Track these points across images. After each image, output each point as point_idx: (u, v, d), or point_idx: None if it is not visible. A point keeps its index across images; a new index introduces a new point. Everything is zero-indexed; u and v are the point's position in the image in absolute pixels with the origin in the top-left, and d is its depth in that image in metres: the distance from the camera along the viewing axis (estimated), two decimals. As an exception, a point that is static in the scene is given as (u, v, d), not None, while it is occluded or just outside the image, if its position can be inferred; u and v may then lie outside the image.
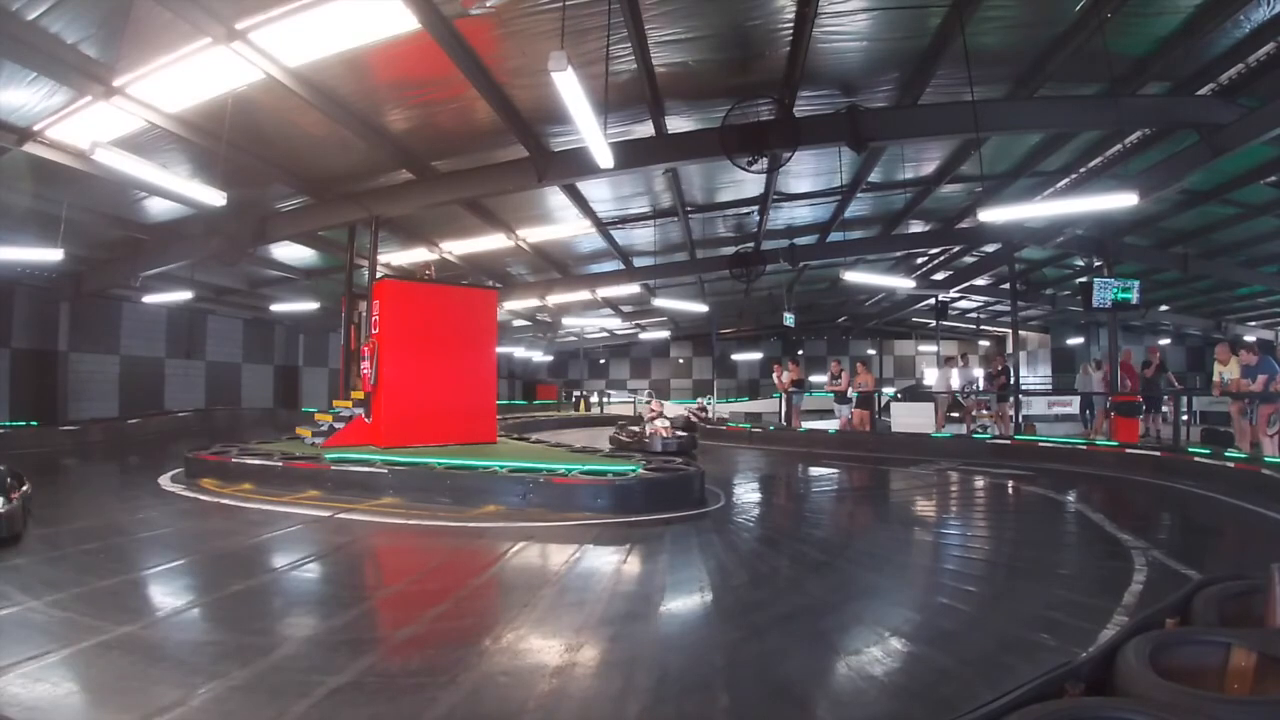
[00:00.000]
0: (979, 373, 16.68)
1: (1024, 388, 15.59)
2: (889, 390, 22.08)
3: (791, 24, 7.21)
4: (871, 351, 32.65)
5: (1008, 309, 19.02)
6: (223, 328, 21.15)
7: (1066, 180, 11.69)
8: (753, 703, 2.95)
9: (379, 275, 11.92)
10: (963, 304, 24.81)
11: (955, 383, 15.44)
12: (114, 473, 11.36)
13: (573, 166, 9.76)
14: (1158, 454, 10.18)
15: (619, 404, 31.51)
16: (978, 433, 14.07)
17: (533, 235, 14.64)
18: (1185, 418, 13.09)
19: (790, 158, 8.57)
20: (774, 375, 17.66)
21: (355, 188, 11.09)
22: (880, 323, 28.44)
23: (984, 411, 15.31)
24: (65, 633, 3.56)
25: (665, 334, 31.98)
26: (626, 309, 25.43)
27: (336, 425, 11.17)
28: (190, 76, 7.13)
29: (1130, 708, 1.80)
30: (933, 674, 3.23)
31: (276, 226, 12.30)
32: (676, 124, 9.43)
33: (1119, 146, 9.89)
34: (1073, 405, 16.68)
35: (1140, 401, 12.90)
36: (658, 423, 14.23)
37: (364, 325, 11.54)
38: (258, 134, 8.98)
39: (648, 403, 21.33)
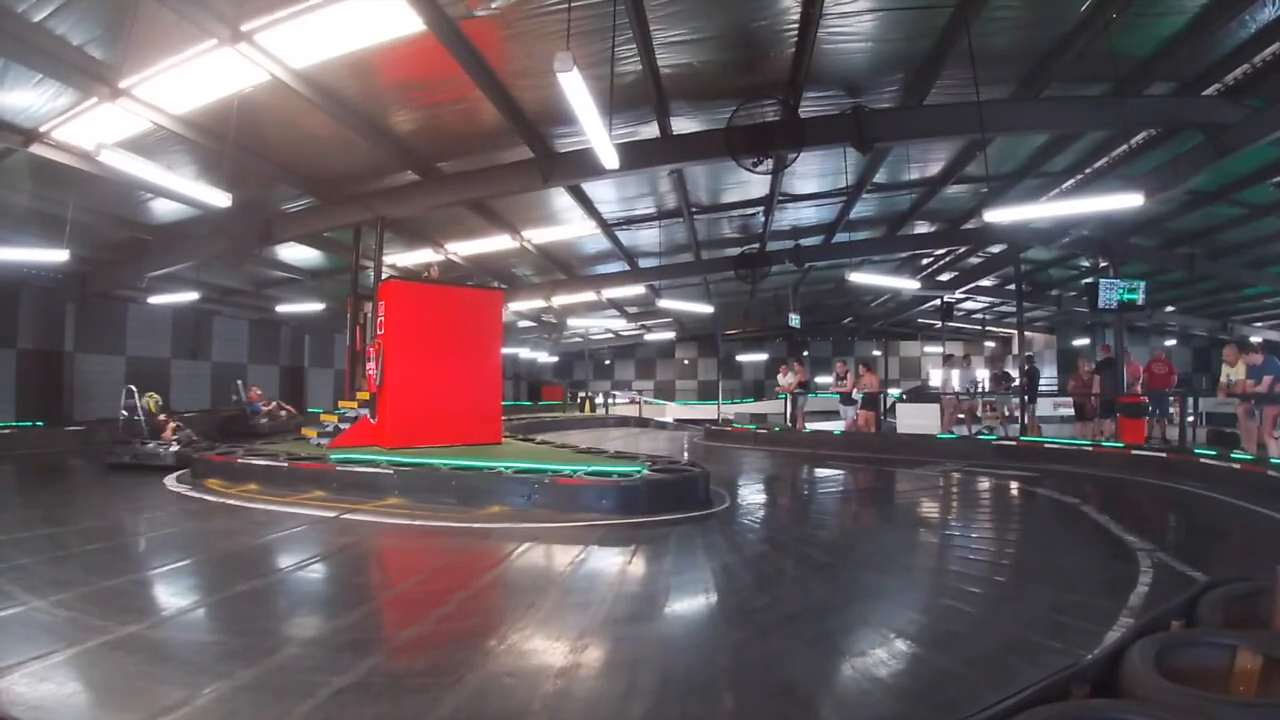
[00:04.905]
0: (982, 373, 16.64)
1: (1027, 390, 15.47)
2: (894, 391, 22.04)
3: (796, 25, 7.21)
4: (877, 352, 32.56)
5: (1013, 310, 18.96)
6: (228, 328, 21.18)
7: (1072, 181, 11.66)
8: (757, 703, 2.95)
9: (384, 276, 11.94)
10: (968, 305, 24.76)
11: (956, 384, 15.42)
12: (119, 473, 11.38)
13: (578, 168, 9.77)
14: (1164, 455, 10.15)
15: (624, 405, 31.49)
16: (983, 434, 14.05)
17: (538, 236, 14.66)
18: (1191, 419, 13.01)
19: (795, 159, 8.57)
20: (778, 377, 17.65)
21: (360, 189, 11.11)
22: (886, 324, 28.40)
23: (989, 412, 15.28)
24: (70, 632, 3.56)
25: (670, 335, 31.97)
26: (631, 310, 25.44)
27: (342, 426, 11.19)
28: (196, 78, 7.16)
29: (1136, 709, 1.80)
30: (937, 675, 3.22)
31: (282, 228, 12.34)
32: (682, 125, 9.42)
33: (1125, 147, 9.86)
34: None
35: (1147, 403, 12.85)
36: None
37: (369, 326, 11.56)
38: (263, 135, 9.01)
39: None
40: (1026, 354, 15.67)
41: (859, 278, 15.36)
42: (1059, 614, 3.94)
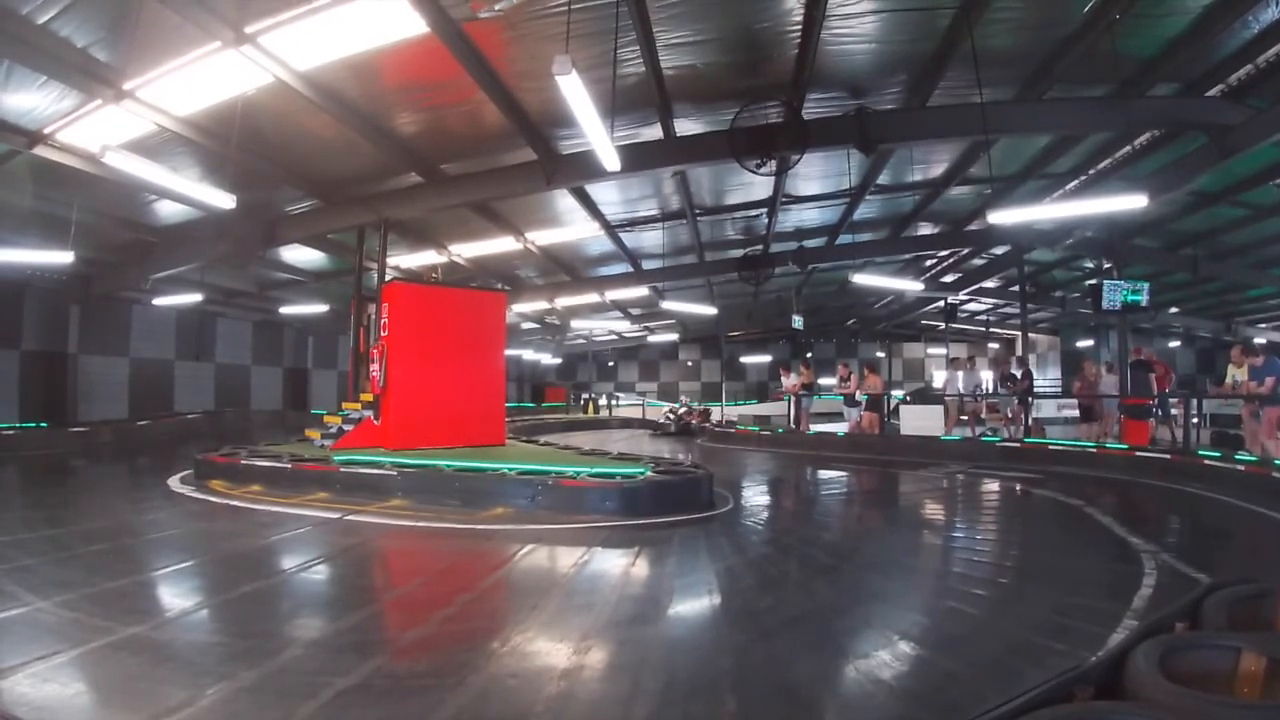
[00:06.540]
0: (986, 375, 16.59)
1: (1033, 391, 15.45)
2: (898, 393, 21.99)
3: (799, 26, 7.20)
4: (880, 354, 32.52)
5: (1017, 311, 18.91)
6: (232, 330, 21.23)
7: (1076, 182, 11.64)
8: (760, 705, 2.95)
9: (388, 278, 11.95)
10: (972, 306, 24.72)
11: (961, 385, 15.41)
12: (123, 474, 11.42)
13: (581, 169, 9.77)
14: (1167, 457, 10.13)
15: (628, 406, 31.50)
16: (987, 436, 14.03)
17: (541, 238, 14.66)
18: (1195, 421, 12.97)
19: (799, 160, 8.55)
20: (781, 378, 17.60)
21: (364, 191, 11.12)
22: (889, 325, 28.37)
23: (994, 414, 15.26)
24: (74, 633, 3.57)
25: (674, 337, 31.97)
26: (635, 312, 25.44)
27: (345, 427, 11.20)
28: (200, 80, 7.15)
29: (1139, 712, 1.80)
30: (941, 678, 3.22)
31: (286, 229, 12.36)
32: (685, 126, 9.42)
33: (1128, 148, 9.85)
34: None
35: (1151, 405, 12.82)
36: None
37: (373, 328, 11.58)
38: (267, 137, 9.02)
39: None
40: (1021, 355, 15.66)
41: (862, 279, 15.35)
42: (1062, 616, 3.93)
